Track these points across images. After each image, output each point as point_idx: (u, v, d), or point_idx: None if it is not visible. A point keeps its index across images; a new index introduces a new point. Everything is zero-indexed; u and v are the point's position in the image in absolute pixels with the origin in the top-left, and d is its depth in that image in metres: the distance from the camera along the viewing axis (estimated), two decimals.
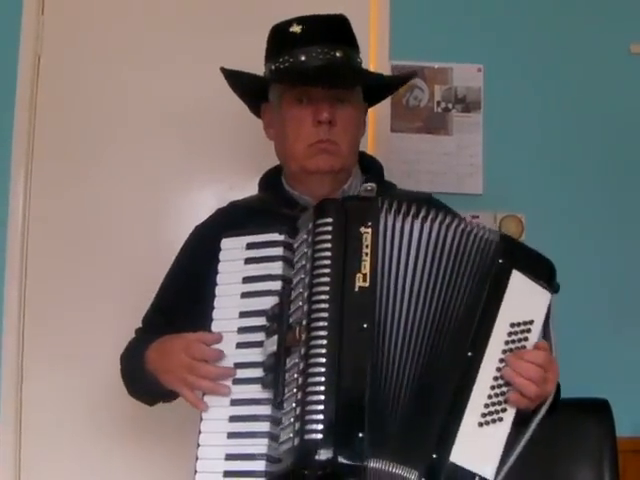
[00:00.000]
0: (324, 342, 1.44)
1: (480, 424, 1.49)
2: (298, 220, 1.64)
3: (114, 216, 2.68)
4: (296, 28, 1.84)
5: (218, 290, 1.64)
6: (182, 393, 1.64)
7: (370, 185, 1.63)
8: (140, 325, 1.96)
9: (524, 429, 1.54)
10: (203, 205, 2.36)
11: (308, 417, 1.40)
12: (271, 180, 1.96)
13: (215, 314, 1.62)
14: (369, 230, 1.52)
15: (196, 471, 1.54)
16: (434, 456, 1.45)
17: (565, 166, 2.84)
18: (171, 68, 2.72)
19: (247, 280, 1.61)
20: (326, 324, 1.46)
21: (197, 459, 1.55)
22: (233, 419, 1.55)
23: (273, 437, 1.50)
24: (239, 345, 1.59)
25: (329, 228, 1.52)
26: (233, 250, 1.64)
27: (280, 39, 1.88)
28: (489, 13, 2.86)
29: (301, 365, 1.45)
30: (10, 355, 2.61)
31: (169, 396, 1.81)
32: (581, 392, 1.79)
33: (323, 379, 1.42)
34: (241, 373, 1.57)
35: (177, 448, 2.41)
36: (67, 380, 2.59)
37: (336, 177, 1.86)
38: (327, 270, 1.49)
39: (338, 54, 1.83)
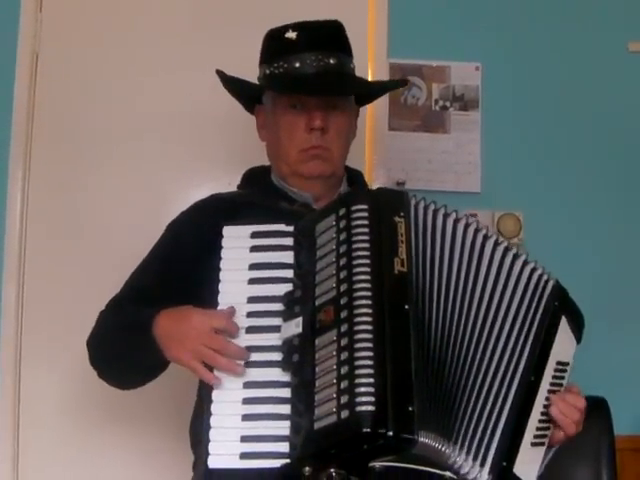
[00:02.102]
0: (369, 319, 1.44)
1: (532, 444, 1.58)
2: (299, 214, 1.69)
3: (112, 215, 2.68)
4: (291, 34, 1.86)
5: (223, 275, 1.61)
6: (191, 366, 1.59)
7: (401, 180, 1.69)
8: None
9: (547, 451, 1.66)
10: None
11: (359, 390, 1.38)
12: (259, 177, 1.99)
13: (221, 298, 1.60)
14: (402, 220, 1.55)
15: (209, 453, 1.49)
16: (504, 464, 1.51)
17: (563, 164, 2.85)
18: (169, 67, 2.72)
19: (255, 267, 1.61)
20: (370, 302, 1.46)
21: (209, 441, 1.49)
22: (247, 401, 1.51)
23: (295, 417, 1.48)
24: (249, 330, 1.57)
25: (365, 214, 1.53)
26: (237, 238, 1.63)
27: (275, 44, 1.90)
28: (487, 12, 2.87)
29: (342, 342, 1.44)
30: (8, 350, 2.61)
31: (155, 371, 1.78)
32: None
33: (371, 353, 1.41)
34: (253, 356, 1.55)
35: (176, 438, 2.41)
36: (65, 374, 2.58)
37: (326, 181, 1.91)
38: (366, 252, 1.50)
39: (332, 61, 1.87)
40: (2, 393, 2.61)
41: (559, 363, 1.66)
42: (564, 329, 1.69)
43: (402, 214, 1.56)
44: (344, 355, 1.43)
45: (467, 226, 1.64)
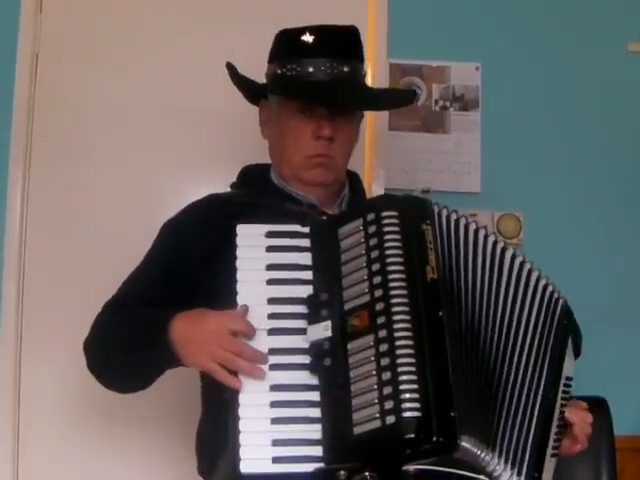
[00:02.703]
0: (408, 325, 1.46)
1: (552, 455, 1.67)
2: (307, 216, 1.71)
3: (112, 214, 2.68)
4: (308, 38, 1.83)
5: (240, 275, 1.59)
6: (211, 369, 1.56)
7: (427, 187, 1.71)
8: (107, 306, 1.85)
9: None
10: None
11: (404, 396, 1.40)
12: (258, 176, 1.97)
13: (240, 299, 1.57)
14: (429, 227, 1.57)
15: (240, 458, 1.46)
16: (536, 475, 1.59)
17: (563, 164, 2.85)
18: (169, 65, 2.72)
19: (273, 267, 1.59)
20: (407, 309, 1.47)
21: (240, 446, 1.46)
22: (275, 404, 1.49)
23: (328, 421, 1.48)
24: (272, 332, 1.55)
25: (396, 221, 1.54)
26: (252, 237, 1.61)
27: (290, 45, 1.87)
28: (487, 12, 2.87)
29: (381, 348, 1.45)
30: (8, 349, 2.61)
31: (159, 373, 1.75)
32: (579, 390, 1.79)
33: (413, 360, 1.43)
34: (279, 359, 1.53)
35: (177, 436, 2.43)
36: (65, 373, 2.57)
37: (328, 187, 1.91)
38: (401, 259, 1.51)
39: (345, 69, 1.85)
40: (2, 391, 2.60)
41: (567, 378, 1.73)
42: (569, 346, 1.75)
43: (428, 222, 1.58)
44: (385, 361, 1.44)
45: (486, 237, 1.67)
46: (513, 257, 1.69)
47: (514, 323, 1.64)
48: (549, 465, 1.65)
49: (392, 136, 2.80)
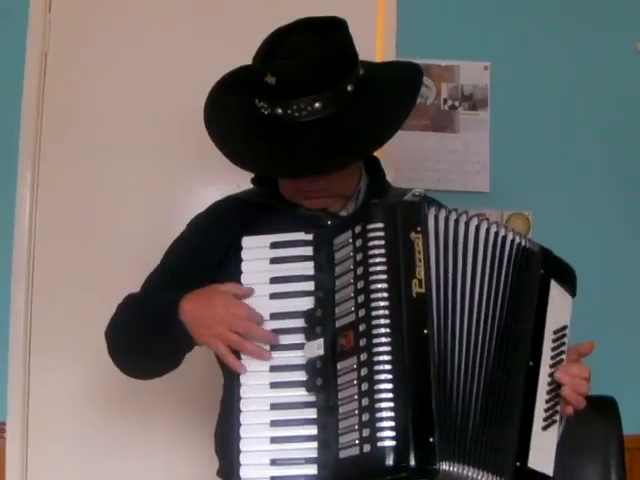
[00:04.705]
0: (388, 349, 1.43)
1: (543, 428, 1.58)
2: (318, 218, 1.70)
3: (121, 214, 2.69)
4: (270, 79, 1.67)
5: None
6: (220, 351, 1.58)
7: (418, 191, 1.63)
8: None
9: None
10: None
11: (379, 424, 1.39)
12: (273, 179, 1.90)
13: None
14: (419, 236, 1.51)
15: (239, 477, 1.50)
16: (517, 464, 1.51)
17: (572, 164, 2.84)
18: (178, 65, 2.72)
19: (276, 280, 1.59)
20: (388, 331, 1.44)
21: (240, 466, 1.50)
22: (275, 423, 1.52)
23: (321, 441, 1.48)
24: (274, 347, 1.56)
25: (381, 233, 1.50)
26: (256, 249, 1.61)
27: (257, 84, 1.72)
28: (496, 11, 2.87)
29: (362, 372, 1.44)
30: (17, 351, 2.62)
31: (176, 358, 1.75)
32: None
33: (391, 386, 1.41)
34: (280, 376, 1.54)
35: (195, 436, 2.43)
36: (74, 374, 2.60)
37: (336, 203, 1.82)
38: (384, 276, 1.47)
39: (317, 105, 1.67)
40: (11, 392, 2.61)
41: (556, 331, 1.64)
42: (555, 292, 1.66)
43: (419, 229, 1.52)
44: (364, 386, 1.43)
45: (489, 229, 1.60)
46: (512, 243, 1.61)
47: (516, 323, 1.58)
48: (545, 438, 1.58)
49: (401, 135, 2.75)
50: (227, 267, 1.70)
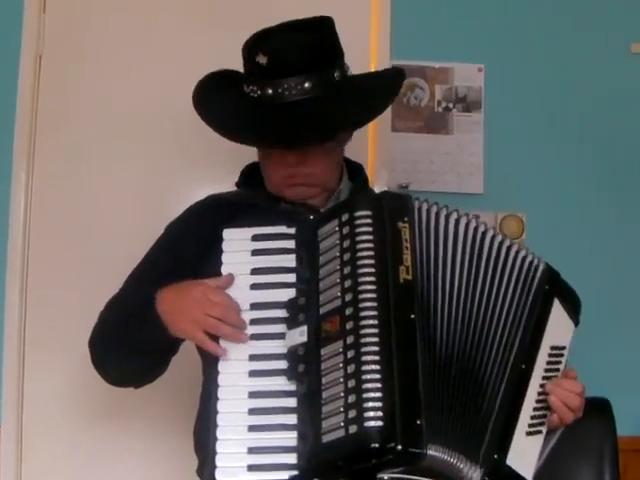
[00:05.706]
0: (376, 331, 1.43)
1: (527, 433, 1.56)
2: (300, 214, 1.68)
3: (116, 215, 2.69)
4: (262, 59, 1.74)
5: None
6: (197, 337, 1.59)
7: (405, 183, 1.65)
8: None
9: (548, 438, 1.65)
10: None
11: (367, 405, 1.38)
12: (257, 175, 1.92)
13: None
14: (406, 225, 1.53)
15: (216, 466, 1.48)
16: (495, 456, 1.49)
17: (565, 166, 2.85)
18: (171, 66, 2.72)
19: (257, 271, 1.59)
20: (376, 313, 1.44)
21: (216, 454, 1.48)
22: (253, 412, 1.50)
23: (301, 429, 1.47)
24: (254, 337, 1.56)
25: (369, 221, 1.51)
26: (238, 241, 1.61)
27: (248, 65, 1.81)
28: (490, 13, 2.87)
29: (349, 354, 1.43)
30: (11, 352, 2.62)
31: (162, 357, 1.75)
32: None
33: (378, 367, 1.40)
34: (259, 365, 1.54)
35: (181, 439, 2.41)
36: (68, 376, 2.58)
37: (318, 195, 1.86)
38: (371, 261, 1.48)
39: (307, 84, 1.75)
40: (6, 390, 2.61)
41: (554, 348, 1.65)
42: (558, 312, 1.68)
43: (406, 219, 1.53)
44: (351, 368, 1.42)
45: (468, 224, 1.62)
46: (493, 239, 1.63)
47: (496, 314, 1.59)
48: (528, 444, 1.57)
49: (395, 137, 2.80)
50: (208, 260, 1.69)
